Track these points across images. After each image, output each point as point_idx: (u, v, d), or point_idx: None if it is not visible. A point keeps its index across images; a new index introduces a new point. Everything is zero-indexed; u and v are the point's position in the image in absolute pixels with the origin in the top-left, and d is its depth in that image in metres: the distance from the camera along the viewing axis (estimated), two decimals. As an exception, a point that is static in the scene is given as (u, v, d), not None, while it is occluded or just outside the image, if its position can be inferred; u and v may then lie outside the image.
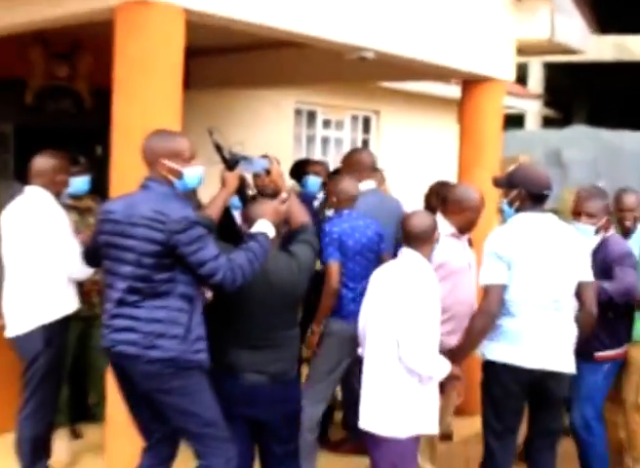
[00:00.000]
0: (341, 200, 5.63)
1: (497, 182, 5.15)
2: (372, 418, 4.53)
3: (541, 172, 5.04)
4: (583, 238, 5.19)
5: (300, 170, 7.16)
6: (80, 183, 5.94)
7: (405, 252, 4.68)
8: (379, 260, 5.51)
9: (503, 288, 4.74)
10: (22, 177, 8.40)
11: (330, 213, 5.76)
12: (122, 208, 4.18)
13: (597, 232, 5.57)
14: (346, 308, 5.51)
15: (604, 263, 5.45)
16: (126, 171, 4.65)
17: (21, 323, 5.25)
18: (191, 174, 4.29)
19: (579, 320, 4.92)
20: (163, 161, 4.19)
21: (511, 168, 5.11)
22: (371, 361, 4.60)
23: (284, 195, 4.56)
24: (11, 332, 5.30)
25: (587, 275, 4.91)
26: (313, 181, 6.95)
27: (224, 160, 5.08)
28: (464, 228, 5.48)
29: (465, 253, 5.57)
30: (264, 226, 4.33)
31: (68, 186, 5.66)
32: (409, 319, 4.42)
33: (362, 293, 5.01)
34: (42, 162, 5.41)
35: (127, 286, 4.14)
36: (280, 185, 4.72)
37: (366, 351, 4.67)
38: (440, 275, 5.12)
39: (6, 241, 5.35)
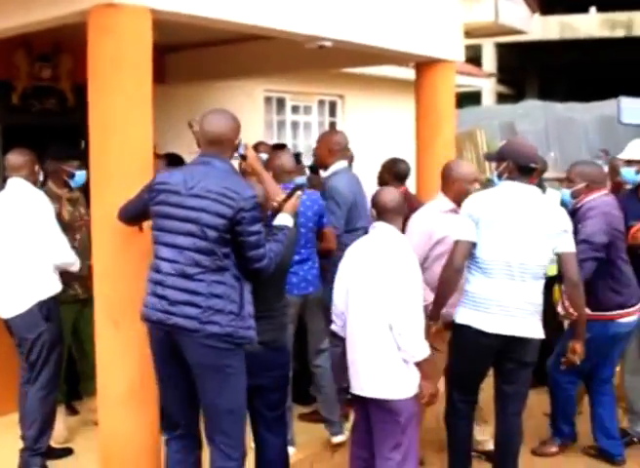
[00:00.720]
0: (278, 175, 5.34)
1: (488, 157, 5.21)
2: (379, 386, 4.36)
3: (529, 146, 5.00)
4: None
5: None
6: (82, 176, 5.94)
7: (380, 226, 4.49)
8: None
9: (470, 244, 4.73)
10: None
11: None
12: (181, 180, 4.04)
13: (574, 196, 5.63)
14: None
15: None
16: (102, 162, 4.61)
17: (19, 303, 5.25)
18: None
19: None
20: (234, 141, 4.20)
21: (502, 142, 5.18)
22: (361, 336, 4.41)
23: (299, 192, 4.52)
24: (9, 313, 5.29)
25: (567, 246, 4.76)
26: None
27: None
28: (459, 200, 5.20)
29: None
30: (287, 220, 4.35)
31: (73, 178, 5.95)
32: (402, 301, 4.27)
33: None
34: (18, 157, 5.45)
35: (187, 257, 3.96)
36: (258, 169, 4.64)
37: (351, 327, 4.47)
38: (440, 250, 5.14)
39: None
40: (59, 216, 5.63)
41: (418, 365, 4.34)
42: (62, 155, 6.03)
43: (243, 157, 4.62)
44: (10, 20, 5.11)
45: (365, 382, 4.41)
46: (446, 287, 4.84)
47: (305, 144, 11.32)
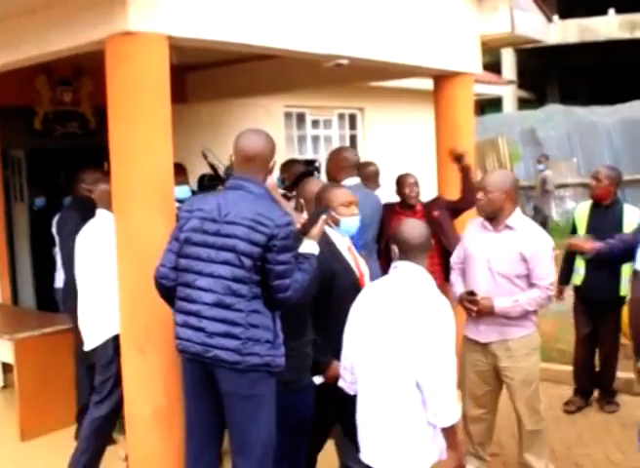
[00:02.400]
0: (308, 200, 4.98)
1: None
2: (397, 457, 3.71)
3: None
4: None
5: None
6: (183, 191, 5.81)
7: (404, 266, 3.87)
8: None
9: None
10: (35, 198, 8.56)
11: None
12: (215, 206, 3.90)
13: None
14: None
15: None
16: (124, 186, 4.62)
17: (98, 335, 5.23)
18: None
19: None
20: (269, 162, 4.05)
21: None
22: (378, 395, 3.75)
23: (324, 216, 4.28)
24: (90, 345, 5.31)
25: None
26: None
27: (219, 178, 5.09)
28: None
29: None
30: (313, 247, 4.12)
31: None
32: (433, 355, 3.61)
33: None
34: (104, 187, 5.24)
35: (224, 287, 3.82)
36: (275, 197, 4.44)
37: (366, 384, 3.82)
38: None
39: (80, 262, 5.39)
40: None
41: (444, 431, 3.70)
42: None
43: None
44: (29, 51, 5.15)
45: (380, 451, 3.77)
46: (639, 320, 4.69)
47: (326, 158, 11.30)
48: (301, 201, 4.80)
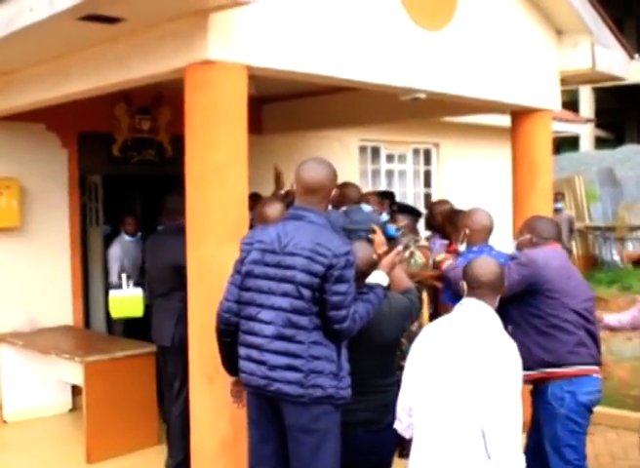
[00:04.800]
0: (475, 232, 4.98)
1: None
2: None
3: None
4: None
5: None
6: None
7: (470, 303, 3.73)
8: None
9: None
10: (111, 224, 8.69)
11: (462, 247, 5.05)
12: (274, 237, 3.86)
13: None
14: None
15: None
16: (199, 214, 4.63)
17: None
18: None
19: None
20: (331, 192, 3.98)
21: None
22: (439, 441, 3.52)
23: (400, 247, 4.27)
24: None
25: None
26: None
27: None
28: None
29: None
30: (381, 278, 4.06)
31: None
32: (499, 400, 3.40)
33: None
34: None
35: (284, 319, 3.75)
36: (381, 255, 4.39)
37: (425, 429, 3.60)
38: None
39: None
40: None
41: None
42: None
43: (368, 240, 4.52)
44: (109, 78, 5.24)
45: None
46: None
47: (400, 192, 11.25)
48: (467, 231, 4.88)
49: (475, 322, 3.64)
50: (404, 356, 4.05)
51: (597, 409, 6.94)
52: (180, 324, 5.50)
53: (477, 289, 3.72)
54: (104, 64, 5.23)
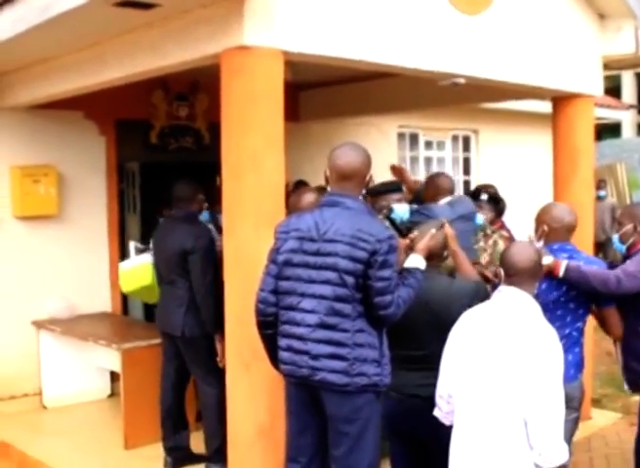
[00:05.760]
0: (554, 230, 4.60)
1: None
2: None
3: None
4: None
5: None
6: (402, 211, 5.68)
7: (508, 291, 3.63)
8: None
9: None
10: (148, 210, 8.69)
11: (539, 245, 4.55)
12: (312, 225, 3.81)
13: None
14: None
15: None
16: (235, 200, 4.62)
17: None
18: None
19: None
20: (366, 177, 3.93)
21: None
22: (480, 429, 3.48)
23: (433, 230, 4.19)
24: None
25: None
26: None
27: (398, 230, 5.07)
28: None
29: None
30: (418, 261, 4.01)
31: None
32: (541, 390, 3.33)
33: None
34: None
35: (326, 307, 3.71)
36: (453, 248, 4.41)
37: (465, 417, 3.57)
38: None
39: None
40: None
41: None
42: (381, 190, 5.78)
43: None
44: (144, 65, 5.23)
45: None
46: None
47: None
48: (545, 227, 4.57)
49: (515, 309, 3.55)
50: None
51: (638, 398, 6.91)
52: (190, 313, 5.53)
53: (514, 276, 3.62)
54: (139, 51, 5.22)
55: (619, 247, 4.75)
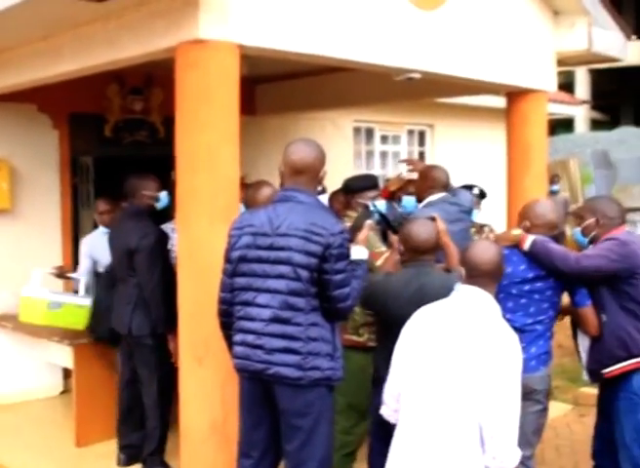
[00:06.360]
0: (536, 227, 4.65)
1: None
2: None
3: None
4: None
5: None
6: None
7: (468, 291, 3.52)
8: None
9: None
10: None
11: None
12: (265, 220, 3.83)
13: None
14: None
15: None
16: (190, 196, 4.59)
17: None
18: None
19: None
20: (319, 173, 3.96)
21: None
22: (429, 430, 3.36)
23: (370, 221, 4.35)
24: None
25: None
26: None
27: (389, 225, 5.06)
28: None
29: None
30: (362, 253, 4.05)
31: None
32: (498, 394, 3.26)
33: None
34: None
35: (280, 301, 3.73)
36: (443, 242, 4.52)
37: (413, 417, 3.44)
38: None
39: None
40: None
41: None
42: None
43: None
44: (100, 58, 5.19)
45: None
46: None
47: (394, 174, 11.21)
48: (527, 223, 4.65)
49: (475, 309, 3.46)
50: None
51: (589, 390, 7.02)
52: (138, 312, 5.49)
53: (477, 277, 3.53)
54: (95, 44, 5.17)
55: (581, 240, 4.79)
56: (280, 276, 3.75)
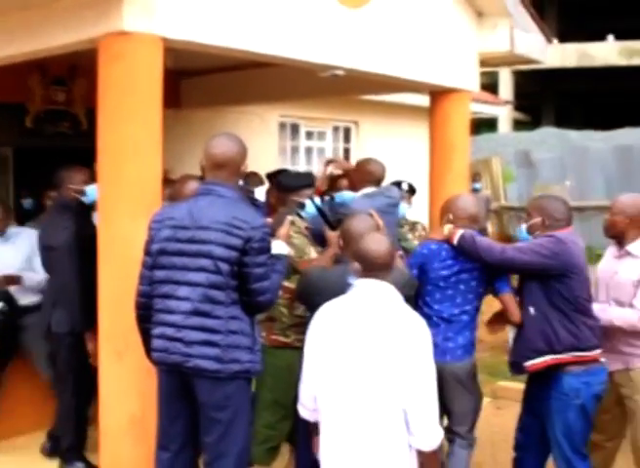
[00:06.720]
0: (459, 219, 4.77)
1: None
2: None
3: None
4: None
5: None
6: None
7: (369, 285, 3.57)
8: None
9: None
10: (22, 197, 8.46)
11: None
12: (186, 213, 3.85)
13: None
14: None
15: None
16: (112, 189, 4.55)
17: None
18: None
19: None
20: (241, 167, 4.00)
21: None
22: (354, 423, 3.43)
23: (289, 217, 4.42)
24: None
25: None
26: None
27: (328, 222, 5.05)
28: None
29: None
30: (282, 247, 4.13)
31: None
32: (418, 378, 3.39)
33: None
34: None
35: (200, 294, 3.74)
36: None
37: (337, 413, 3.49)
38: None
39: None
40: None
41: (425, 454, 3.50)
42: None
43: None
44: (21, 47, 5.09)
45: None
46: None
47: (319, 171, 11.26)
48: (450, 216, 4.77)
49: (379, 301, 3.53)
50: None
51: (507, 384, 7.17)
52: (58, 309, 5.44)
53: (374, 270, 3.58)
54: (16, 33, 5.06)
55: (525, 237, 4.84)
56: (200, 269, 3.76)
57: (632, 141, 19.60)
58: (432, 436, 3.45)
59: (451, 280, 4.67)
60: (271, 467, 5.17)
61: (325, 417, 3.57)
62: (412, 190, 6.60)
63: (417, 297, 4.70)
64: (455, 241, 4.62)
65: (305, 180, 5.51)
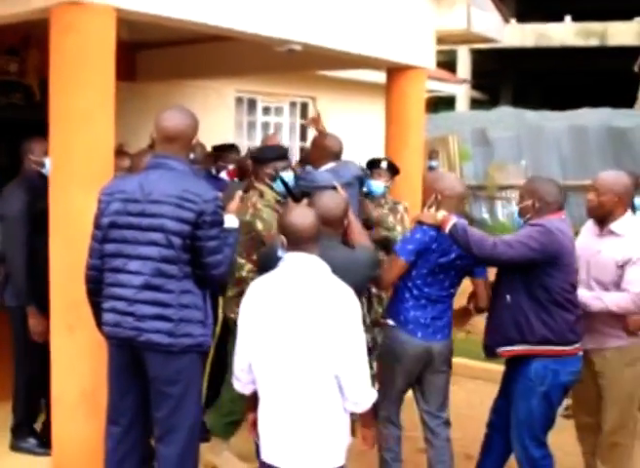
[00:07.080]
0: (447, 199, 4.63)
1: None
2: (312, 453, 3.52)
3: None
4: None
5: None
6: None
7: (297, 258, 3.60)
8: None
9: None
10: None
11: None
12: (136, 186, 3.80)
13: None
14: None
15: None
16: (63, 161, 4.53)
17: None
18: None
19: None
20: (191, 140, 3.97)
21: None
22: (288, 393, 3.51)
23: (240, 192, 4.38)
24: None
25: None
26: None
27: (292, 195, 5.04)
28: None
29: None
30: (234, 221, 4.10)
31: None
32: (349, 345, 3.48)
33: None
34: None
35: (152, 268, 3.73)
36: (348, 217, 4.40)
37: (272, 383, 3.56)
38: None
39: None
40: None
41: (361, 413, 3.65)
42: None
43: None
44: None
45: (296, 449, 3.53)
46: None
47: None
48: (438, 196, 4.60)
49: (308, 273, 3.58)
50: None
51: (460, 360, 7.23)
52: (9, 283, 5.34)
53: (301, 244, 3.60)
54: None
55: (517, 221, 4.81)
56: (152, 243, 3.74)
57: (588, 122, 19.79)
58: (365, 398, 3.56)
59: (445, 266, 4.63)
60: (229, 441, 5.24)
61: (261, 388, 3.61)
62: (392, 168, 6.40)
63: (405, 279, 4.64)
64: (447, 229, 4.45)
65: (277, 152, 5.47)
